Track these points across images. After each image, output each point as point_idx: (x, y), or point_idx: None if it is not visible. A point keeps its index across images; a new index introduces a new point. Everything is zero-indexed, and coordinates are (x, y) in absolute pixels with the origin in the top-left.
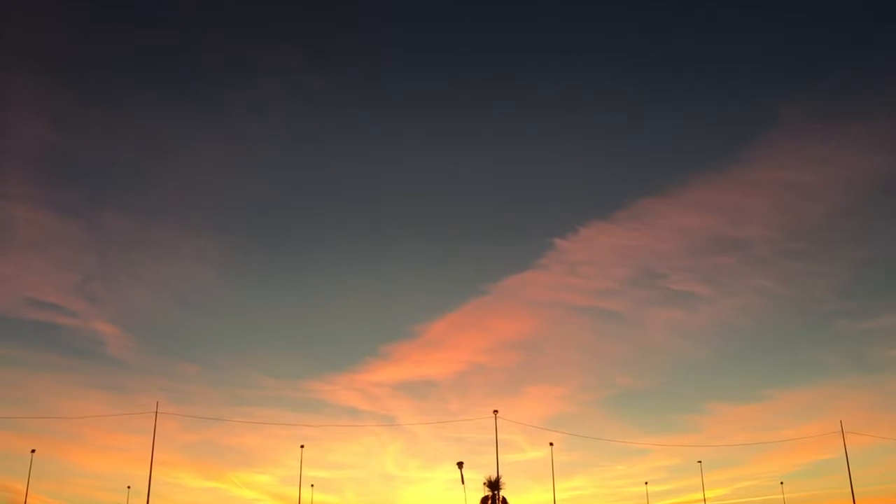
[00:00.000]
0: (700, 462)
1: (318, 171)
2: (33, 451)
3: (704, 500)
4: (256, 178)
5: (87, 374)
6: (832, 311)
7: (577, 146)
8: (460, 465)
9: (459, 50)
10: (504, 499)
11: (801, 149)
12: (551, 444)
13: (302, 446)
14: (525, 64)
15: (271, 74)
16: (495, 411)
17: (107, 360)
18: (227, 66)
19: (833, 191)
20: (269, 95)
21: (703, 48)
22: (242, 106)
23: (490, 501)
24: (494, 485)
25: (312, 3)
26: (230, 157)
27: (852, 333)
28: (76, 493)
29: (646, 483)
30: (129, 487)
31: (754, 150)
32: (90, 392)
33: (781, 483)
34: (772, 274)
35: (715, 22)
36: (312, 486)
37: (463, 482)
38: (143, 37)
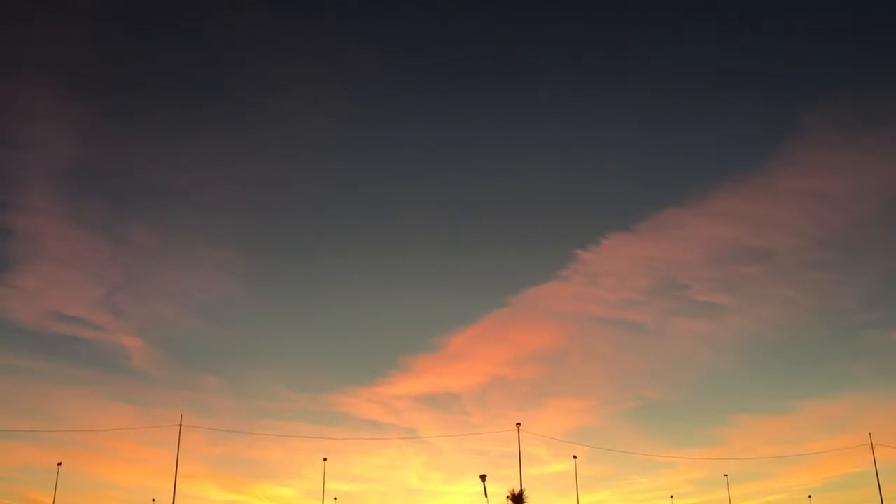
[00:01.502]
0: (726, 475)
1: (339, 183)
2: (59, 464)
3: None
4: (278, 191)
5: (112, 387)
6: (860, 321)
7: (598, 156)
8: (483, 477)
9: (480, 58)
10: None
11: (826, 157)
12: (575, 457)
13: (325, 459)
14: (545, 73)
15: (291, 88)
16: (518, 424)
17: (131, 373)
18: (248, 81)
19: (859, 199)
20: (288, 109)
21: (726, 56)
22: (263, 119)
23: None
24: (518, 498)
25: (330, 16)
26: (251, 169)
27: (881, 344)
28: None
29: (671, 497)
30: (153, 500)
31: (778, 159)
32: (115, 405)
33: (810, 497)
34: (798, 284)
35: (737, 30)
36: (335, 499)
37: (486, 495)
38: (166, 52)
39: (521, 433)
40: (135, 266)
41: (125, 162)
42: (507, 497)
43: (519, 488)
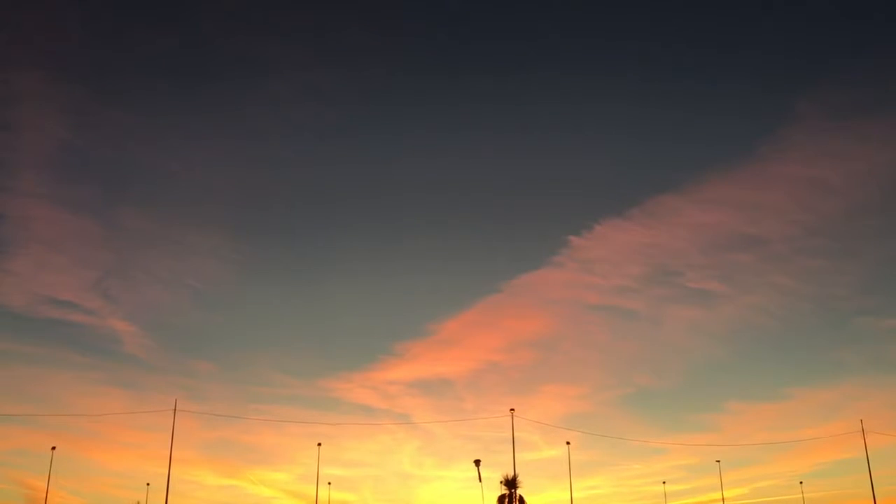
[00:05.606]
0: (718, 461)
1: (332, 168)
2: (53, 448)
3: (723, 499)
4: (271, 176)
5: (106, 372)
6: (852, 308)
7: (591, 142)
8: (477, 462)
9: (473, 44)
10: (521, 497)
11: (820, 144)
12: (568, 442)
13: (319, 444)
14: (539, 59)
15: (284, 72)
16: (512, 410)
17: (124, 357)
18: (241, 64)
19: (853, 187)
20: (282, 92)
21: (720, 42)
22: (256, 103)
23: (507, 500)
24: (511, 483)
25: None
26: (244, 154)
27: (873, 331)
28: (96, 490)
29: (663, 482)
30: (148, 485)
31: (771, 146)
32: (109, 390)
33: (801, 483)
34: (791, 271)
35: (732, 16)
36: (329, 483)
37: (480, 480)
38: (157, 35)
39: (514, 419)
40: (126, 250)
41: (116, 145)
42: (501, 482)
43: (512, 473)
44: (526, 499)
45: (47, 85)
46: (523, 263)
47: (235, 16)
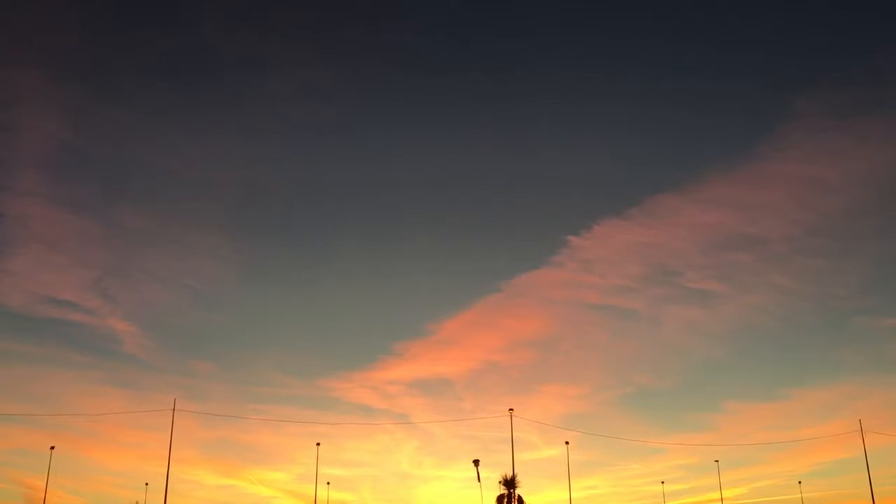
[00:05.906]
0: (717, 461)
1: (332, 167)
2: (52, 447)
3: (721, 499)
4: (270, 174)
5: (105, 372)
6: (851, 308)
7: (591, 141)
8: (476, 462)
9: (473, 42)
10: (520, 497)
11: (819, 143)
12: (567, 442)
13: (318, 444)
14: (538, 57)
15: (283, 70)
16: (511, 409)
17: (123, 357)
18: (240, 63)
19: (852, 186)
20: (281, 91)
21: (719, 41)
22: (255, 101)
23: (506, 499)
24: (510, 483)
25: None
26: (244, 152)
27: (872, 331)
28: (95, 489)
29: (662, 482)
30: (146, 484)
31: (771, 145)
32: (108, 389)
33: (799, 482)
34: (790, 271)
35: (732, 15)
36: (328, 483)
37: (479, 480)
38: (157, 34)
39: (513, 419)
40: (126, 250)
41: (116, 144)
42: (500, 482)
43: (511, 473)
44: (525, 499)
45: (47, 84)
46: (523, 263)
47: (235, 15)
